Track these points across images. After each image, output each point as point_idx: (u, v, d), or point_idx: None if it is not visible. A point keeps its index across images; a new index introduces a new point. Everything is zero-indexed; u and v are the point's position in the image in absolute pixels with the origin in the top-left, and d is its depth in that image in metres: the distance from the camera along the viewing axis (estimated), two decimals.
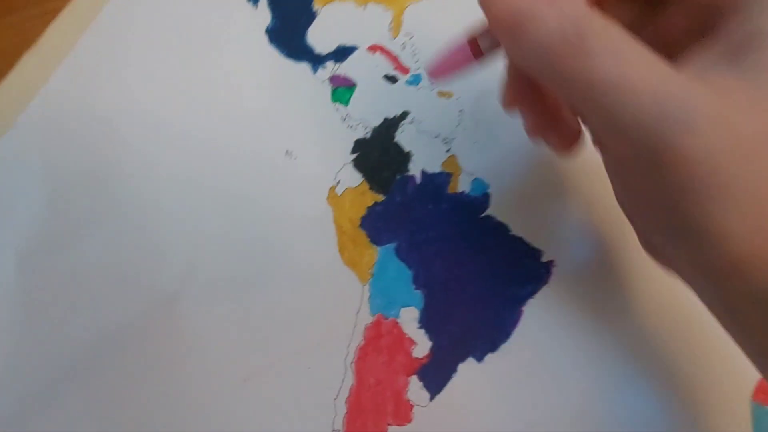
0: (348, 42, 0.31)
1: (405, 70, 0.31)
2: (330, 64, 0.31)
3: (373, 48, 0.32)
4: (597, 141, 0.22)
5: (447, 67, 0.23)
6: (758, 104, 0.17)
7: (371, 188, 0.30)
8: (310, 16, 0.32)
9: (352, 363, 0.28)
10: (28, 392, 0.26)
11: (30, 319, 0.27)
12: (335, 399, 0.27)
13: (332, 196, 0.30)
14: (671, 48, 0.20)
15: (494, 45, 0.21)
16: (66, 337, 0.27)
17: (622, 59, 0.17)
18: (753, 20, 0.18)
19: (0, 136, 0.29)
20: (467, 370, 0.28)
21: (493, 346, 0.29)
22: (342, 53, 0.31)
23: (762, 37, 0.17)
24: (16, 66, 0.29)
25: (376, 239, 0.30)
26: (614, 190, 0.22)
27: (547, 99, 0.23)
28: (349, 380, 0.28)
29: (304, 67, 0.31)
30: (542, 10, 0.17)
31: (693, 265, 0.19)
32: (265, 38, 0.31)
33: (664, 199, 0.18)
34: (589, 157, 0.25)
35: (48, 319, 0.27)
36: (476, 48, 0.21)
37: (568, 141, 0.24)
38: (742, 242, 0.17)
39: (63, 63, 0.30)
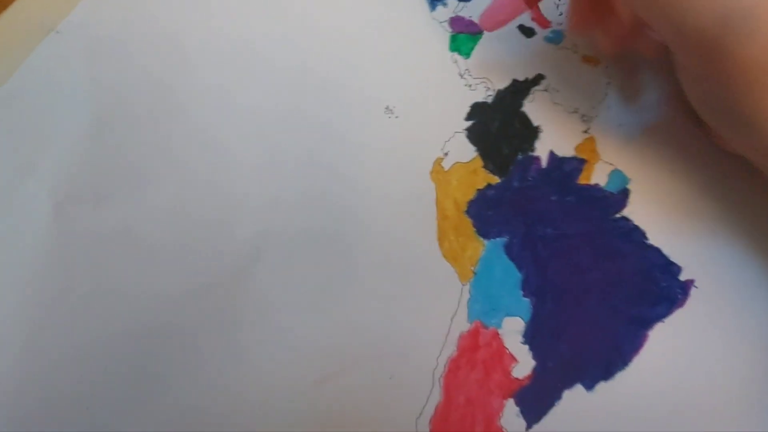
0: None
1: (545, 23, 0.25)
2: (452, 2, 0.25)
3: None
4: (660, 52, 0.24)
5: (498, 17, 0.23)
6: None
7: (485, 166, 0.24)
8: None
9: (441, 377, 0.23)
10: (51, 371, 0.22)
11: (66, 282, 0.22)
12: (418, 417, 0.23)
13: (437, 170, 0.24)
14: None
15: None
16: (109, 307, 0.22)
17: None
18: None
19: (39, 41, 0.23)
20: (574, 398, 0.24)
21: (608, 374, 0.24)
22: None
23: None
24: None
25: (483, 230, 0.24)
26: (688, 95, 0.23)
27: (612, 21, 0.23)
28: (436, 396, 0.23)
29: (419, 0, 0.25)
30: None
31: (753, 149, 0.22)
32: None
33: (728, 100, 0.20)
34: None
35: (88, 283, 0.22)
36: None
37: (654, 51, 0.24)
38: None
39: None
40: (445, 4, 0.25)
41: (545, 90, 0.24)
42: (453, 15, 0.25)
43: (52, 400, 0.22)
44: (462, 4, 0.25)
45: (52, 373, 0.22)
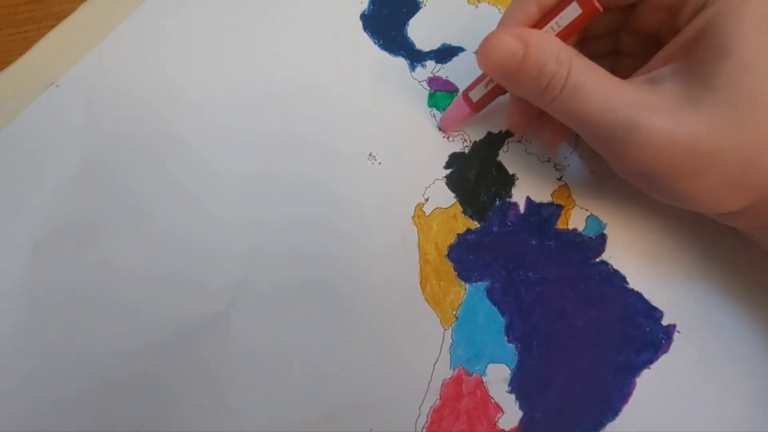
0: (454, 42, 0.24)
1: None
2: (430, 64, 0.24)
3: None
4: None
5: (452, 120, 0.23)
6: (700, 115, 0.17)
7: (464, 212, 0.23)
8: (414, 6, 0.25)
9: (423, 428, 0.21)
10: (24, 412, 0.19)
11: (37, 323, 0.20)
12: None
13: (419, 214, 0.23)
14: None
15: (485, 98, 0.22)
16: (77, 353, 0.20)
17: (589, 90, 0.18)
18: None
19: (39, 93, 0.22)
20: None
21: (598, 425, 0.21)
22: (446, 53, 0.24)
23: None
24: (70, 16, 0.23)
25: (464, 274, 0.22)
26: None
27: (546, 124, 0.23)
28: None
29: (400, 62, 0.24)
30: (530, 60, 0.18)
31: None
32: (358, 24, 0.24)
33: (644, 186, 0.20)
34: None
35: (59, 326, 0.20)
36: (470, 101, 0.22)
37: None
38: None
39: (128, 17, 0.23)
40: (423, 66, 0.24)
41: (519, 141, 0.23)
42: (431, 75, 0.24)
43: None
44: (439, 65, 0.24)
45: (26, 415, 0.19)
